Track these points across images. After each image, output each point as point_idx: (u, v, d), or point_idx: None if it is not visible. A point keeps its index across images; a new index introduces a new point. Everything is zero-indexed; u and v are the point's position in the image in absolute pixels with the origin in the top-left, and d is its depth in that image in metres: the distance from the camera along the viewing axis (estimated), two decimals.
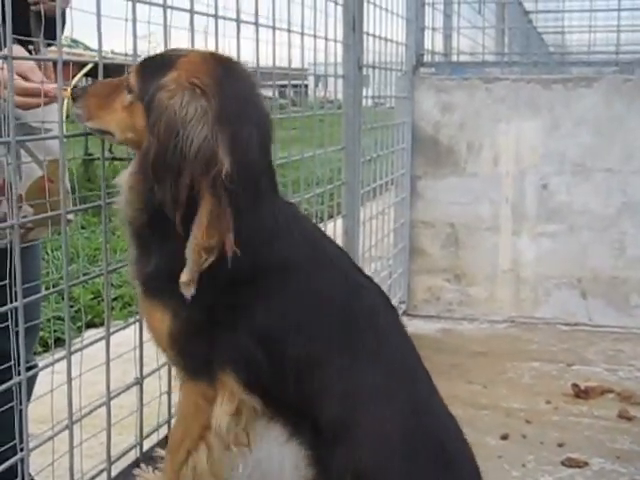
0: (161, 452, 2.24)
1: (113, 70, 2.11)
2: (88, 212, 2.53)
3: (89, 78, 8.72)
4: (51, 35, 2.12)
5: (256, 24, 2.71)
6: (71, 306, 5.16)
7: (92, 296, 6.23)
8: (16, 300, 1.81)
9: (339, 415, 1.85)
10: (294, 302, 1.88)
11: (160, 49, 2.16)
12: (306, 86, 4.91)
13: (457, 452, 1.94)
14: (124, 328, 2.41)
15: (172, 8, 2.29)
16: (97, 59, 2.03)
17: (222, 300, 1.84)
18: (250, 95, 1.86)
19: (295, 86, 4.60)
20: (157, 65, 1.83)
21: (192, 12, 2.34)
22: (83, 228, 6.21)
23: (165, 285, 1.82)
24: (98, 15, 1.99)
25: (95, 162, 10.05)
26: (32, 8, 2.26)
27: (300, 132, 3.39)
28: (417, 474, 1.85)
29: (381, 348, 1.92)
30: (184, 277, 1.71)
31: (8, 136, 1.75)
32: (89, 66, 6.38)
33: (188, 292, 1.73)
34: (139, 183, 1.83)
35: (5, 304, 1.86)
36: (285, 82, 3.40)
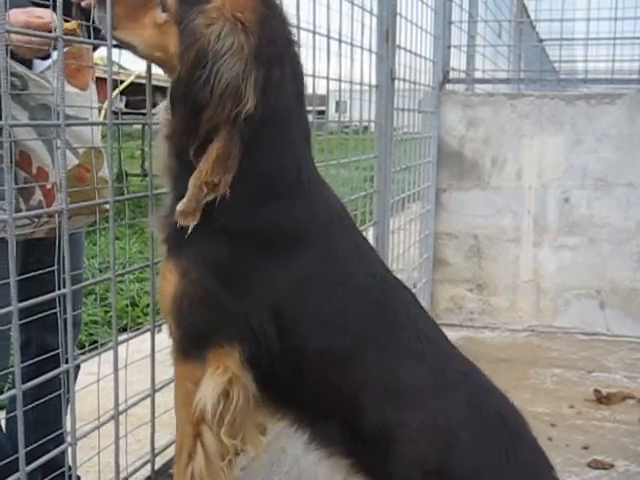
0: None
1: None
2: (122, 223, 2.42)
3: (123, 96, 8.70)
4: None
5: (297, 27, 2.61)
6: (106, 312, 5.14)
7: (127, 302, 6.13)
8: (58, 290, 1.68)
9: (389, 416, 1.64)
10: (318, 277, 1.67)
11: None
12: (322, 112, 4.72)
13: (519, 427, 1.79)
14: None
15: None
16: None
17: (238, 264, 1.63)
18: (289, 40, 1.69)
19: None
20: None
21: None
22: (118, 239, 6.16)
23: (180, 238, 1.63)
24: None
25: (129, 179, 10.07)
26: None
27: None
28: (490, 457, 1.68)
29: (423, 342, 1.71)
30: (180, 206, 1.58)
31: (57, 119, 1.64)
32: (125, 83, 6.30)
33: (184, 222, 1.59)
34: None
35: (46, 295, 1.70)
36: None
